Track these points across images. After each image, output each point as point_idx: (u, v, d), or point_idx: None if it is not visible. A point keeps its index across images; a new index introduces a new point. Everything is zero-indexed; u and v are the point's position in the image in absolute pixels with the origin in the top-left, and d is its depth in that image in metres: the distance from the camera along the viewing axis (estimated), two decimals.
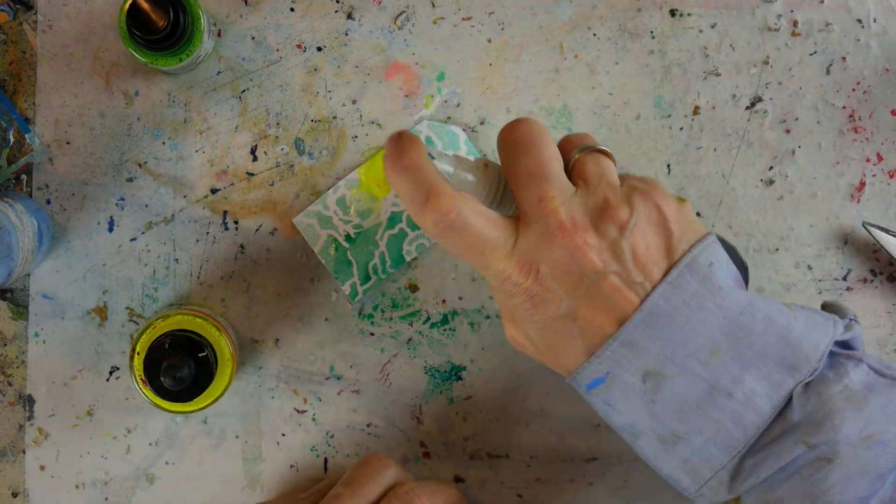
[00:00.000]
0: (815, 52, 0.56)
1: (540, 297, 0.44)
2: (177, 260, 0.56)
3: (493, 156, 0.56)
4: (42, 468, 0.56)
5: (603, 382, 0.44)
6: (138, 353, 0.50)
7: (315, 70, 0.56)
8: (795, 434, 0.42)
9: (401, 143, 0.45)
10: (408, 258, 0.55)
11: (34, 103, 0.55)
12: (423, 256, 0.56)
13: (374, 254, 0.55)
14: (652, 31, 0.56)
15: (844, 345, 0.45)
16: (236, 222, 0.56)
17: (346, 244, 0.54)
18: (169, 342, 0.50)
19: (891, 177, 0.56)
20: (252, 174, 0.56)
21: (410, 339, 0.57)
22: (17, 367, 0.56)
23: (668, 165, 0.56)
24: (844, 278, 0.56)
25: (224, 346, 0.52)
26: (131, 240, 0.56)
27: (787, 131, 0.56)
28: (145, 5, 0.49)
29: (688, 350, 0.43)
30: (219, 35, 0.55)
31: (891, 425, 0.42)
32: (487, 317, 0.57)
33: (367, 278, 0.55)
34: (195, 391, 0.50)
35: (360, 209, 0.54)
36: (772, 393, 0.43)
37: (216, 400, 0.51)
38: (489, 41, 0.56)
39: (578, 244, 0.43)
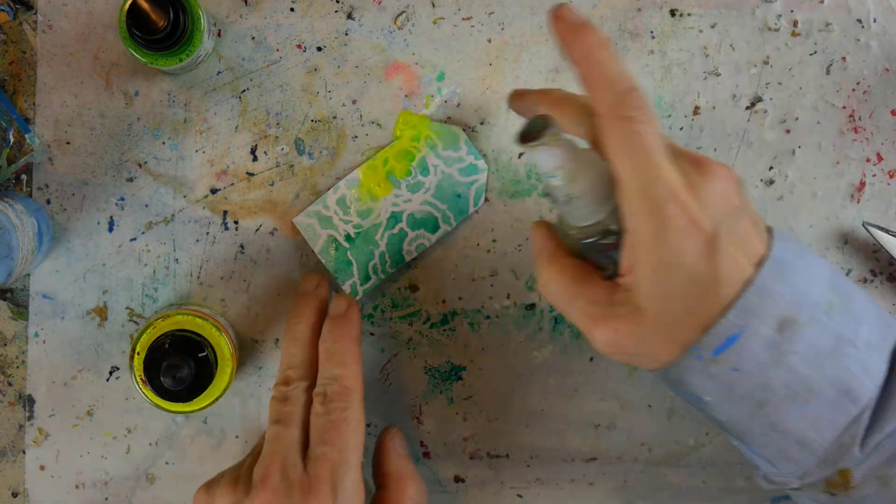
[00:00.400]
0: (815, 52, 0.56)
1: (695, 228, 0.41)
2: (177, 260, 0.56)
3: (491, 156, 0.56)
4: (42, 468, 0.56)
5: (737, 341, 0.42)
6: (138, 353, 0.50)
7: (315, 70, 0.56)
8: None
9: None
10: (408, 258, 0.55)
11: (34, 103, 0.55)
12: (423, 256, 0.56)
13: (374, 254, 0.55)
14: (652, 31, 0.56)
15: None
16: (236, 222, 0.56)
17: (346, 244, 0.54)
18: (169, 342, 0.50)
19: (891, 177, 0.56)
20: (252, 174, 0.56)
21: (410, 339, 0.57)
22: (17, 367, 0.56)
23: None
24: None
25: (224, 346, 0.52)
26: (131, 240, 0.56)
27: (787, 131, 0.56)
28: (145, 5, 0.49)
29: (811, 298, 0.42)
30: (219, 35, 0.55)
31: None
32: (487, 317, 0.57)
33: (367, 278, 0.55)
34: (195, 391, 0.50)
35: (360, 209, 0.54)
36: (881, 344, 0.43)
37: (216, 400, 0.51)
38: (489, 41, 0.56)
39: (730, 177, 0.43)
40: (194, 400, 0.51)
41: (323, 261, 0.54)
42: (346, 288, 0.54)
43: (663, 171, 0.41)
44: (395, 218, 0.54)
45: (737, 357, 0.42)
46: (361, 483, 0.47)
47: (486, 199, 0.56)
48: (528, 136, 0.41)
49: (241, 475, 0.49)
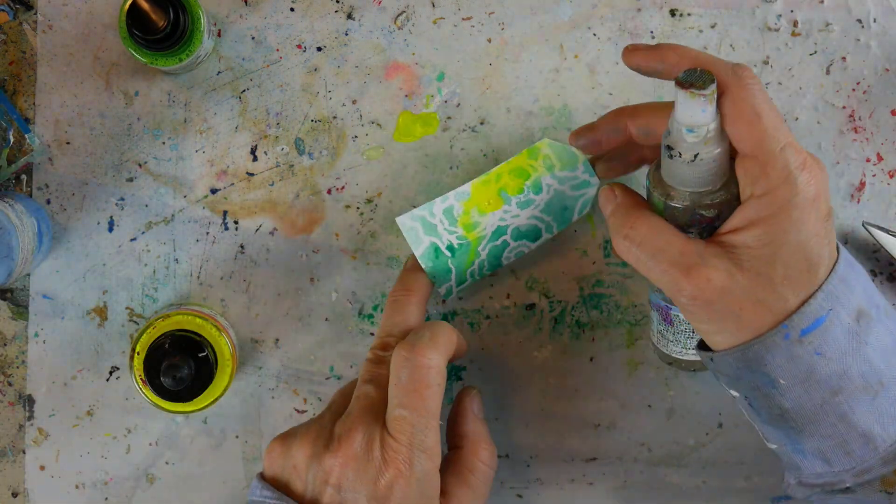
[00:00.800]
0: (815, 52, 0.56)
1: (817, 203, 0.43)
2: (177, 260, 0.56)
3: (491, 156, 0.56)
4: (42, 468, 0.56)
5: (823, 322, 0.42)
6: (138, 353, 0.50)
7: (315, 70, 0.56)
8: None
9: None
10: (505, 263, 0.55)
11: (34, 103, 0.55)
12: None
13: (474, 262, 0.54)
14: (652, 31, 0.56)
15: None
16: (236, 222, 0.56)
17: (447, 253, 0.54)
18: (169, 342, 0.50)
19: (891, 177, 0.56)
20: (252, 174, 0.56)
21: None
22: (17, 367, 0.56)
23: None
24: None
25: (224, 346, 0.52)
26: (131, 240, 0.56)
27: None
28: (145, 5, 0.49)
29: (874, 299, 0.44)
30: (219, 35, 0.55)
31: None
32: (487, 317, 0.57)
33: (462, 280, 0.54)
34: (195, 391, 0.50)
35: (467, 222, 0.53)
36: None
37: (216, 400, 0.51)
38: (489, 41, 0.56)
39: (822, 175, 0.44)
40: (194, 400, 0.51)
41: (422, 263, 0.54)
42: (442, 290, 0.54)
43: (794, 139, 0.43)
44: (500, 231, 0.54)
45: (821, 341, 0.42)
46: (438, 446, 0.46)
47: (591, 208, 0.55)
48: (688, 83, 0.41)
49: (322, 430, 0.48)
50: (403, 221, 0.53)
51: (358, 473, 0.45)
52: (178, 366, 0.49)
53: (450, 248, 0.54)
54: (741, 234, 0.43)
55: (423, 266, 0.53)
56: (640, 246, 0.45)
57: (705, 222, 0.44)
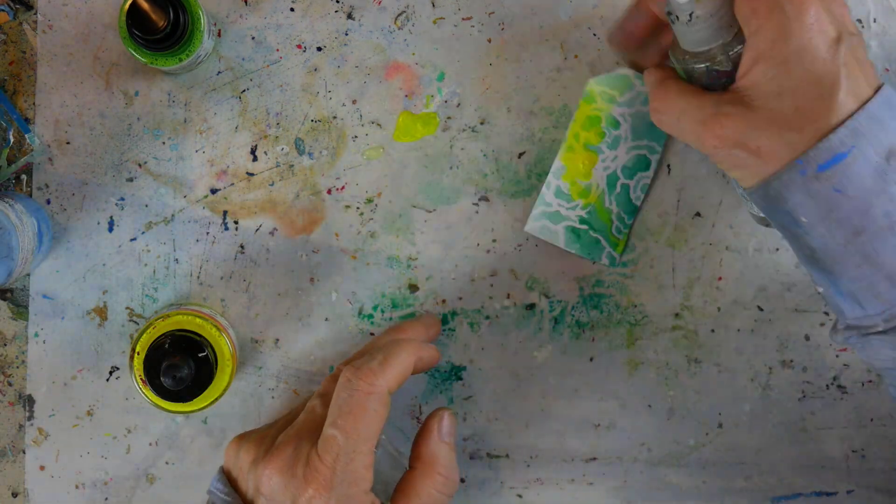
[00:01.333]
0: None
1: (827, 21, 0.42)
2: (177, 260, 0.56)
3: (491, 156, 0.56)
4: (42, 468, 0.56)
5: (845, 158, 0.42)
6: (138, 353, 0.50)
7: (315, 70, 0.56)
8: None
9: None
10: (638, 203, 0.55)
11: (34, 103, 0.55)
12: (422, 256, 0.56)
13: (611, 218, 0.55)
14: None
15: None
16: (236, 222, 0.56)
17: (584, 227, 0.55)
18: (169, 342, 0.50)
19: None
20: (252, 174, 0.56)
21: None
22: (17, 367, 0.56)
23: (669, 166, 0.56)
24: None
25: (224, 346, 0.52)
26: (131, 240, 0.56)
27: None
28: (145, 5, 0.49)
29: None
30: (219, 35, 0.55)
31: None
32: (487, 317, 0.57)
33: (615, 243, 0.55)
34: (195, 391, 0.50)
35: (579, 190, 0.54)
36: None
37: (216, 400, 0.51)
38: (489, 41, 0.56)
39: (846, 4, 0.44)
40: (194, 400, 0.51)
41: (572, 251, 0.54)
42: (605, 260, 0.55)
43: None
44: (612, 179, 0.55)
45: (841, 177, 0.42)
46: (367, 470, 0.46)
47: None
48: None
49: (268, 436, 0.49)
50: (532, 228, 0.55)
51: (282, 487, 0.45)
52: (178, 366, 0.49)
53: (582, 220, 0.55)
54: (748, 75, 0.43)
55: (573, 249, 0.55)
56: (668, 113, 0.47)
57: (724, 77, 0.45)
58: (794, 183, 0.43)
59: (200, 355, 0.51)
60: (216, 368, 0.51)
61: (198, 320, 0.51)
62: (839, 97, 0.42)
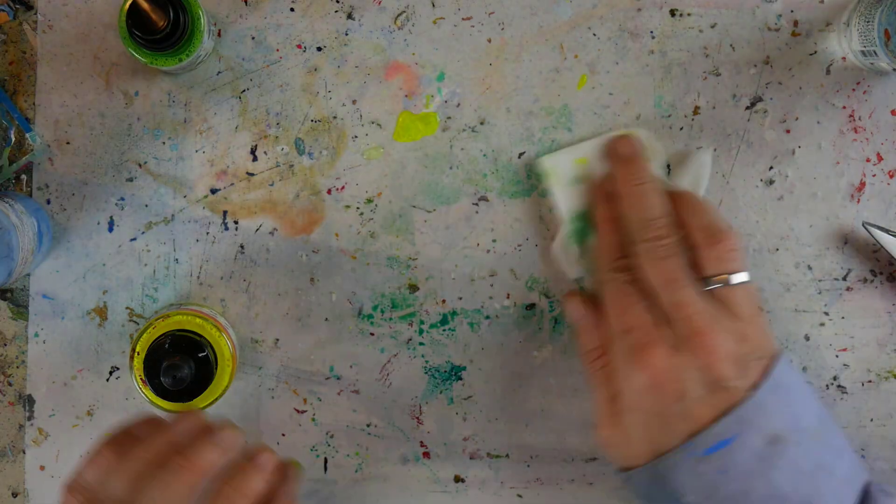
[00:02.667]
0: (815, 52, 0.56)
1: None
2: (177, 260, 0.56)
3: (491, 156, 0.56)
4: (42, 468, 0.56)
5: (728, 445, 0.45)
6: (138, 353, 0.50)
7: (315, 70, 0.56)
8: None
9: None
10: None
11: (34, 103, 0.55)
12: (422, 256, 0.56)
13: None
14: (652, 31, 0.56)
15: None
16: (236, 222, 0.56)
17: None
18: (169, 342, 0.50)
19: (891, 177, 0.56)
20: (252, 174, 0.56)
21: (410, 339, 0.57)
22: (17, 367, 0.56)
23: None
24: (844, 278, 0.56)
25: (224, 346, 0.52)
26: (131, 240, 0.56)
27: (787, 131, 0.56)
28: (145, 5, 0.49)
29: (802, 423, 0.46)
30: (219, 35, 0.55)
31: None
32: (487, 317, 0.57)
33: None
34: (195, 391, 0.50)
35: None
36: (854, 481, 0.47)
37: (216, 400, 0.51)
38: (489, 41, 0.56)
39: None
40: (194, 400, 0.51)
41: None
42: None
43: (642, 323, 0.47)
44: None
45: (726, 460, 0.45)
46: None
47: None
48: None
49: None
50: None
51: None
52: (178, 366, 0.49)
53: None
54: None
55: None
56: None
57: None
58: (681, 463, 0.45)
59: (200, 355, 0.51)
60: (216, 368, 0.51)
61: (198, 320, 0.51)
62: (707, 407, 0.46)
